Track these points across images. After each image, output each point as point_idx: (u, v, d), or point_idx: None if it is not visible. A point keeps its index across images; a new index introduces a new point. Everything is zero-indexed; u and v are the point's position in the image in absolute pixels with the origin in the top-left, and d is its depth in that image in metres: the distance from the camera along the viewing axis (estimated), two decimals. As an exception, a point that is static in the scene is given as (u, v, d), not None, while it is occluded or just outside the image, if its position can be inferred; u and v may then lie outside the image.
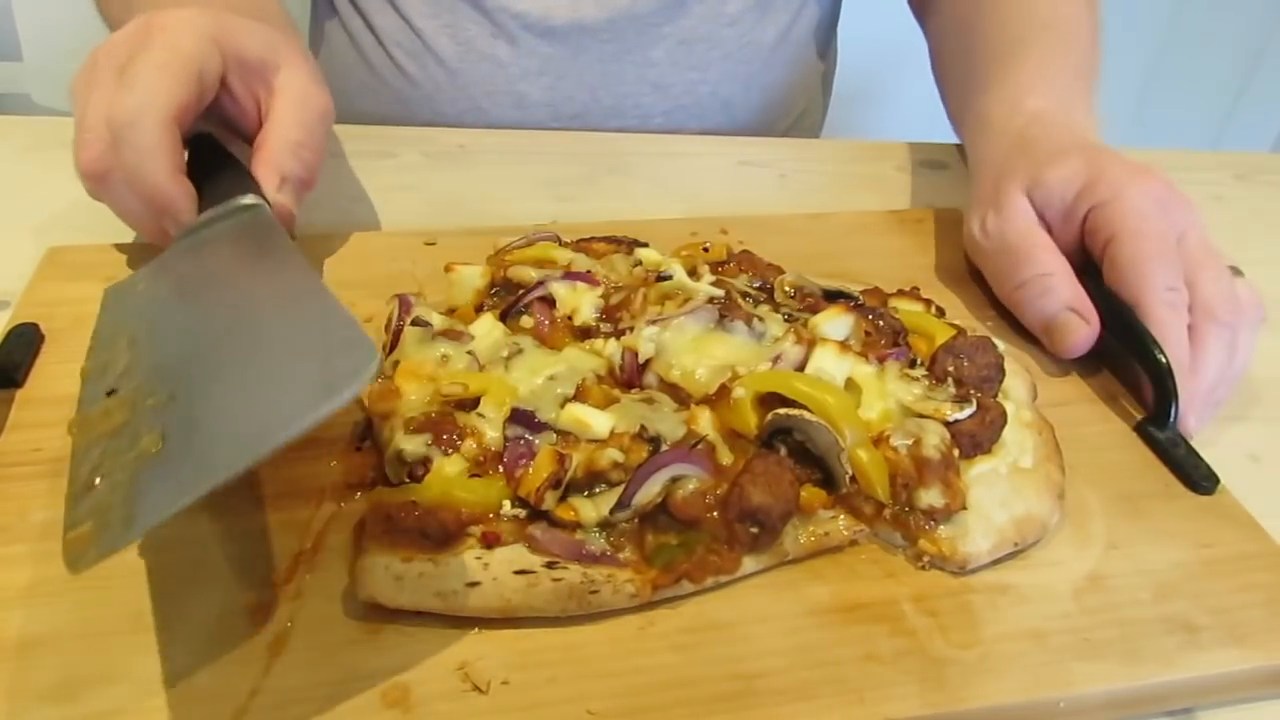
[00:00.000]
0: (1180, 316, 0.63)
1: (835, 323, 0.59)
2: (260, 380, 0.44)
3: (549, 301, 0.62)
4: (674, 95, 1.04)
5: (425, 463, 0.50)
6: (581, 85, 1.02)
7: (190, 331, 0.52)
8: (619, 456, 0.50)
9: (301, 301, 0.50)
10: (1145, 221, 0.65)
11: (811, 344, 0.56)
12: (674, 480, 0.50)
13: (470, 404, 0.53)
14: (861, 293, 0.65)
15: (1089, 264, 0.69)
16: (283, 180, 0.66)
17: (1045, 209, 0.70)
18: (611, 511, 0.49)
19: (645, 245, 0.69)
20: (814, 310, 0.62)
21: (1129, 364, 0.65)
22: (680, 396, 0.55)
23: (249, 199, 0.63)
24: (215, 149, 0.70)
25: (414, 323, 0.58)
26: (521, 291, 0.63)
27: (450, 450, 0.51)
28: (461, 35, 1.00)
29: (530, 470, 0.49)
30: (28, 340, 0.60)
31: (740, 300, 0.61)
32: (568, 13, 0.98)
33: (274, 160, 0.66)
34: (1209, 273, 0.65)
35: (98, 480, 0.42)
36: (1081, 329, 0.65)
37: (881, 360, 0.57)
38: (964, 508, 0.52)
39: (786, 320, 0.60)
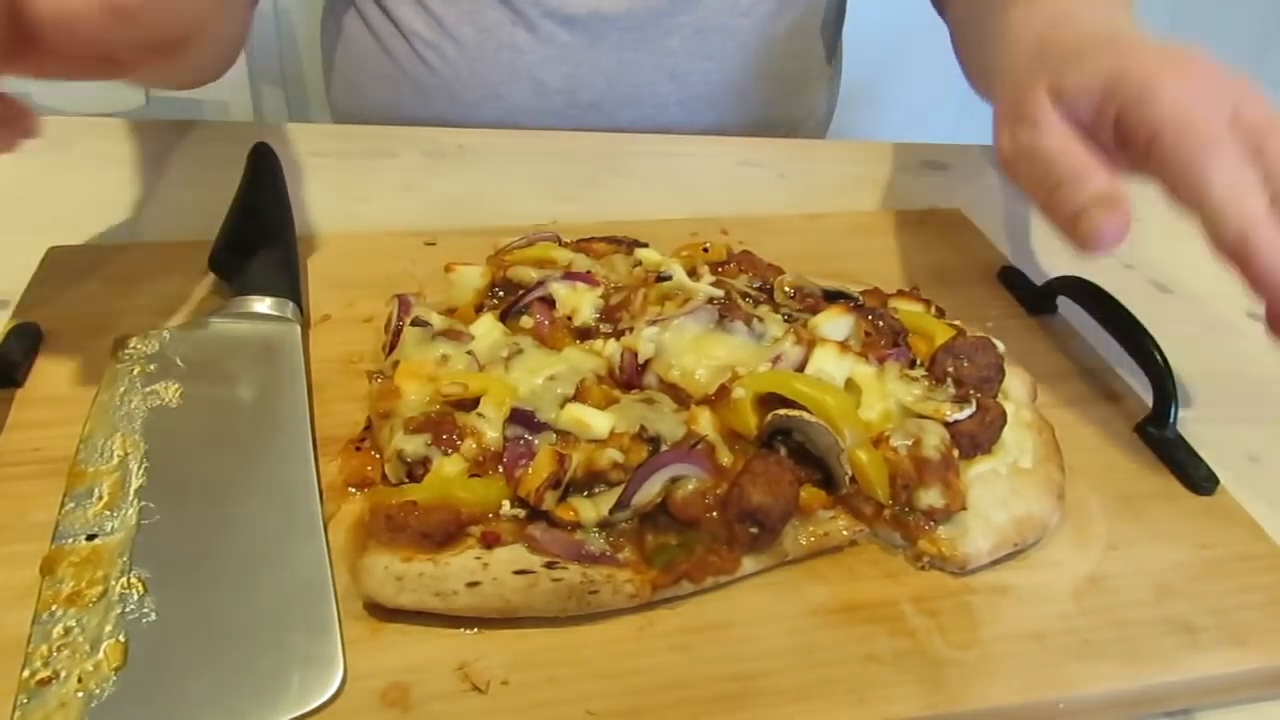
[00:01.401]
0: (1260, 201, 0.53)
1: (835, 323, 0.59)
2: (232, 652, 0.44)
3: (549, 302, 0.62)
4: (690, 84, 1.05)
5: (425, 463, 0.50)
6: (599, 73, 1.02)
7: (185, 494, 0.51)
8: (619, 456, 0.50)
9: (291, 547, 0.49)
10: (1187, 111, 0.55)
11: (811, 344, 0.56)
12: (674, 480, 0.50)
13: (470, 404, 0.53)
14: (861, 293, 0.65)
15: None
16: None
17: (1074, 114, 0.61)
18: (611, 511, 0.49)
19: (645, 245, 0.69)
20: (814, 311, 0.61)
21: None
22: (680, 397, 0.55)
23: (286, 309, 0.63)
24: (266, 224, 0.70)
25: (414, 323, 0.58)
26: (521, 292, 0.63)
27: (450, 450, 0.51)
28: (481, 22, 1.00)
29: (530, 470, 0.49)
30: (28, 340, 0.60)
31: (740, 301, 0.61)
32: (587, 1, 0.99)
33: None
34: (1276, 139, 0.55)
35: (51, 675, 0.42)
36: (1104, 216, 0.56)
37: (881, 361, 0.57)
38: (964, 508, 0.52)
39: (786, 321, 0.60)
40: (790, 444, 0.52)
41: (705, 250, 0.70)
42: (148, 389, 0.57)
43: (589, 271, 0.64)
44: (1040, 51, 0.66)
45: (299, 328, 0.62)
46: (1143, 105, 0.57)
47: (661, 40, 1.02)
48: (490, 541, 0.48)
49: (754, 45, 1.06)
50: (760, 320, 0.58)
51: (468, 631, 0.46)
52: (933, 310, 0.65)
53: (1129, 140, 0.59)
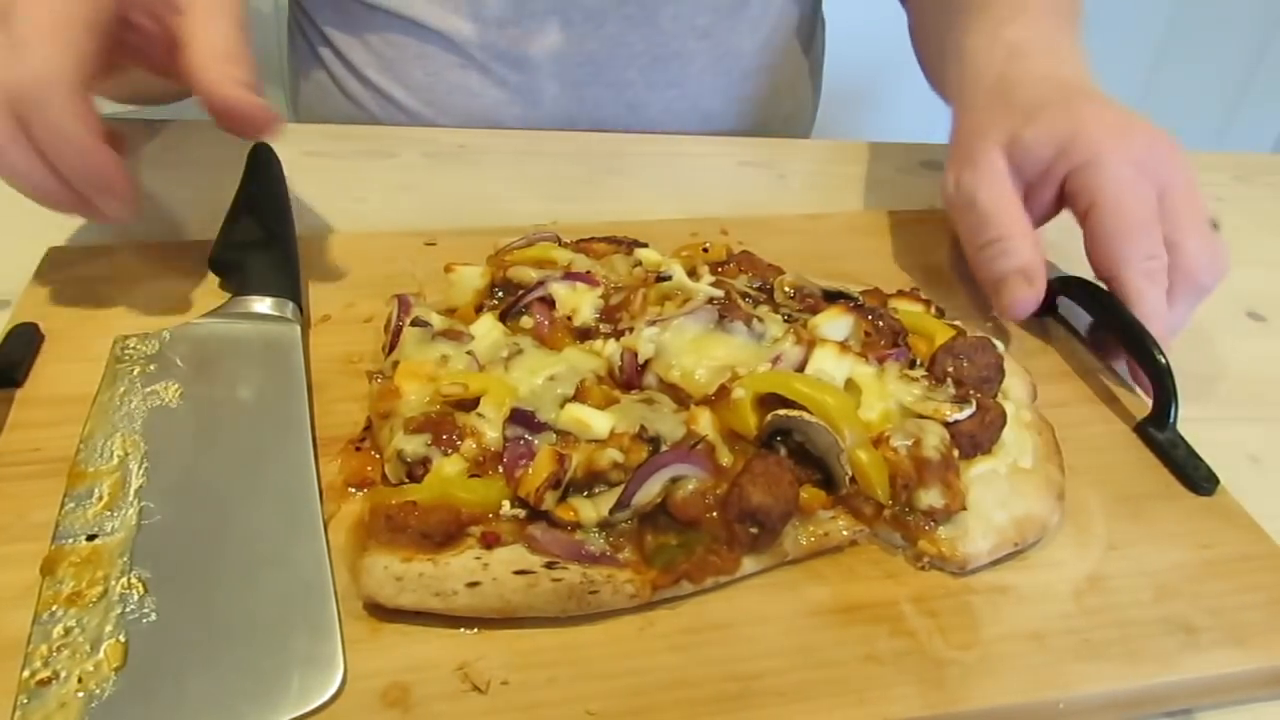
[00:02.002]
0: (1159, 286, 0.63)
1: (835, 323, 0.59)
2: (233, 652, 0.44)
3: (549, 302, 0.62)
4: (651, 115, 1.03)
5: (425, 463, 0.50)
6: (557, 111, 1.01)
7: (185, 494, 0.51)
8: (619, 457, 0.50)
9: (291, 548, 0.49)
10: (1123, 189, 0.64)
11: (811, 344, 0.56)
12: (674, 480, 0.50)
13: (470, 404, 0.53)
14: (861, 293, 0.65)
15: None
16: (230, 79, 0.58)
17: (1023, 168, 0.69)
18: (611, 512, 0.49)
19: (645, 246, 0.69)
20: (814, 311, 0.62)
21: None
22: (680, 397, 0.55)
23: (286, 309, 0.63)
24: (265, 213, 0.70)
25: (414, 323, 0.58)
26: (521, 292, 0.63)
27: (450, 450, 0.51)
28: (430, 66, 0.99)
29: (530, 470, 0.49)
30: (28, 340, 0.60)
31: (740, 301, 0.61)
32: (536, 40, 0.97)
33: (210, 72, 0.57)
34: (1193, 238, 0.64)
35: (51, 675, 0.42)
36: (1024, 290, 0.65)
37: (881, 361, 0.57)
38: (964, 508, 0.52)
39: (786, 321, 0.60)
40: (790, 444, 0.52)
41: (705, 250, 0.70)
42: (148, 389, 0.56)
43: (589, 271, 0.64)
44: (1000, 92, 0.72)
45: (299, 328, 0.62)
46: (1088, 173, 0.65)
47: (618, 72, 1.00)
48: (490, 542, 0.48)
49: (717, 68, 1.03)
50: (760, 320, 0.58)
51: (468, 631, 0.46)
52: (933, 310, 0.65)
53: (1071, 201, 0.67)
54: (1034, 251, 0.66)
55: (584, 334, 0.61)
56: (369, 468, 0.54)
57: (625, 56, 1.00)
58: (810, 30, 1.16)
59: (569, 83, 1.00)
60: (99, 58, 0.56)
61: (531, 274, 0.64)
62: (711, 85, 1.04)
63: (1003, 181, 0.68)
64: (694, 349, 0.57)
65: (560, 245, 0.68)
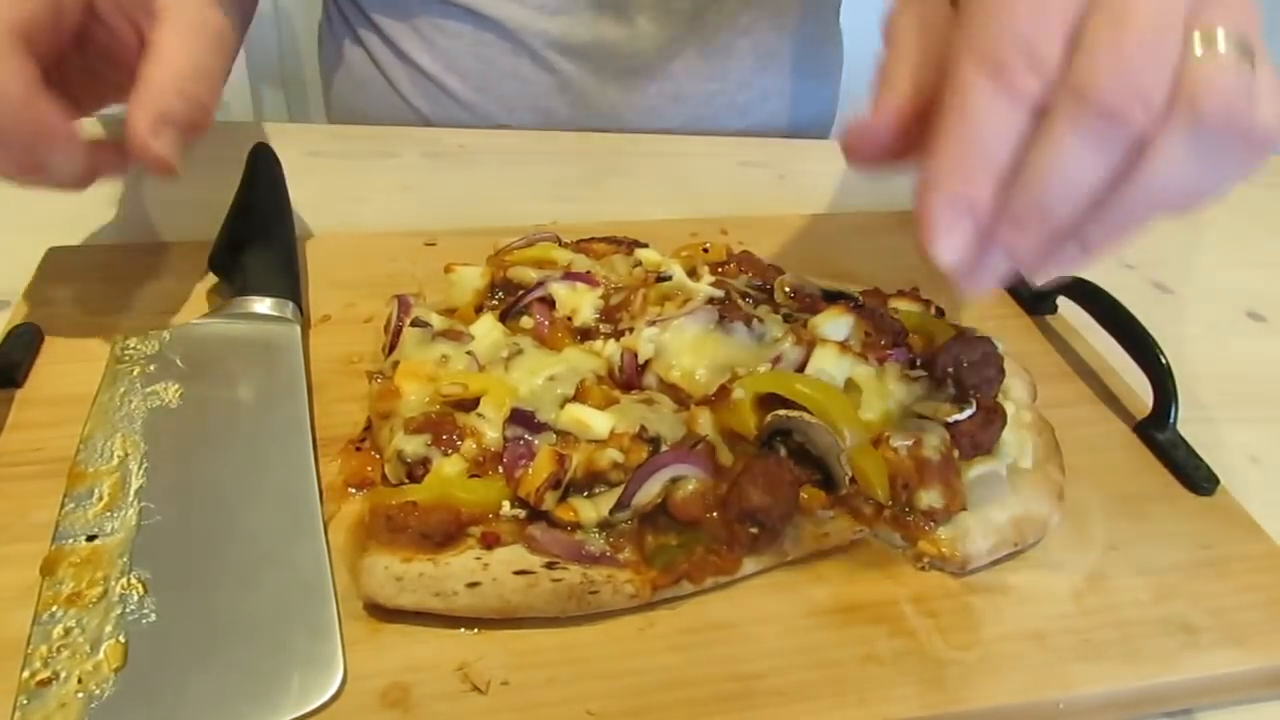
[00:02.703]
0: (1006, 96, 0.38)
1: (835, 323, 0.59)
2: (233, 653, 0.44)
3: (549, 302, 0.62)
4: (693, 105, 1.05)
5: (425, 463, 0.50)
6: (604, 99, 1.02)
7: (185, 495, 0.51)
8: (619, 457, 0.50)
9: (291, 548, 0.49)
10: (1016, 33, 0.38)
11: (811, 345, 0.56)
12: (674, 481, 0.50)
13: (470, 404, 0.53)
14: (861, 293, 0.65)
15: None
16: (161, 121, 0.55)
17: None
18: (611, 512, 0.49)
19: (645, 246, 0.69)
20: (814, 311, 0.61)
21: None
22: (680, 397, 0.55)
23: (286, 309, 0.63)
24: (266, 216, 0.69)
25: (414, 323, 0.58)
26: (521, 292, 0.63)
27: (450, 450, 0.51)
28: (485, 54, 1.00)
29: (530, 470, 0.49)
30: (28, 340, 0.60)
31: (740, 301, 0.61)
32: (589, 31, 0.98)
33: (153, 98, 0.55)
34: (1134, 37, 0.36)
35: (51, 675, 0.42)
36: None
37: (881, 361, 0.57)
38: (964, 508, 0.52)
39: (786, 321, 0.60)
40: (790, 444, 0.52)
41: (705, 250, 0.70)
42: (148, 389, 0.57)
43: (589, 272, 0.64)
44: None
45: (299, 328, 0.62)
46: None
47: (665, 65, 1.02)
48: (490, 542, 0.48)
49: (754, 63, 1.05)
50: (760, 321, 0.58)
51: (468, 631, 0.46)
52: (933, 310, 0.65)
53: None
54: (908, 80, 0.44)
55: (584, 334, 0.61)
56: (369, 468, 0.54)
57: (673, 51, 1.01)
58: (834, 33, 1.18)
59: (618, 72, 1.01)
60: (45, 24, 0.53)
61: (531, 274, 0.64)
62: (749, 82, 1.06)
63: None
64: (694, 349, 0.57)
65: (560, 245, 0.68)
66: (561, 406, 0.53)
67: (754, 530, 0.49)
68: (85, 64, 0.59)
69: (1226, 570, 0.53)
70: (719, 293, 0.61)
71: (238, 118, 1.65)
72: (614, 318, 0.61)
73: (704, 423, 0.53)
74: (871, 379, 0.56)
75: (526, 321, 0.61)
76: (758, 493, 0.49)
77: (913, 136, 0.43)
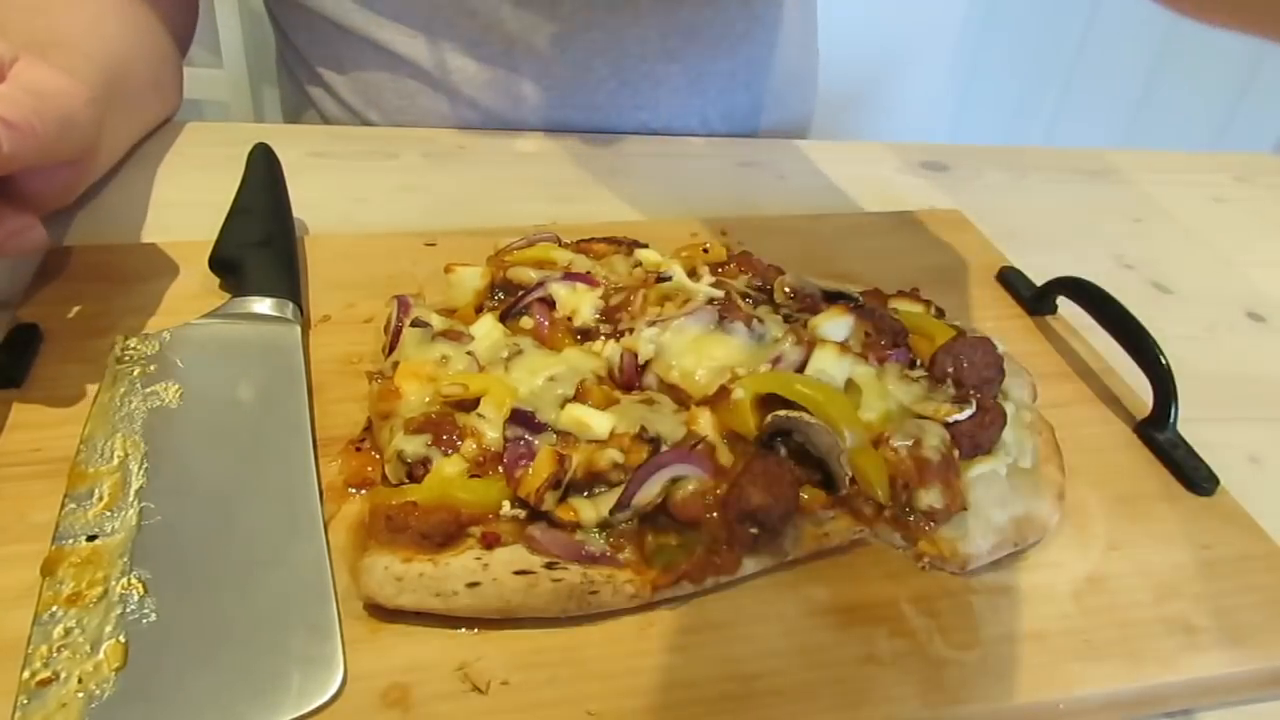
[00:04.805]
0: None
1: (835, 324, 0.59)
2: (233, 653, 0.44)
3: (549, 302, 0.62)
4: (674, 113, 1.03)
5: (425, 463, 0.50)
6: (584, 108, 1.00)
7: (185, 495, 0.50)
8: (619, 457, 0.50)
9: (291, 548, 0.49)
10: None
11: (811, 345, 0.56)
12: (674, 481, 0.50)
13: (470, 404, 0.53)
14: (861, 294, 0.65)
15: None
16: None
17: None
18: (611, 512, 0.49)
19: (645, 246, 0.69)
20: (814, 311, 0.62)
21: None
22: (680, 397, 0.55)
23: (286, 309, 0.63)
24: (270, 221, 0.69)
25: (414, 323, 0.58)
26: (521, 292, 0.63)
27: (450, 450, 0.51)
28: (404, 89, 0.98)
29: (530, 471, 0.49)
30: (28, 340, 0.60)
31: (740, 301, 0.61)
32: (568, 50, 0.96)
33: None
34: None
35: (52, 675, 0.41)
36: None
37: (881, 361, 0.57)
38: (964, 509, 0.52)
39: (786, 321, 0.60)
40: (790, 444, 0.52)
41: (705, 250, 0.70)
42: (148, 389, 0.56)
43: (589, 272, 0.64)
44: None
45: (299, 328, 0.62)
46: None
47: (588, 96, 0.99)
48: (490, 542, 0.48)
49: (739, 76, 1.03)
50: (760, 321, 0.58)
51: (468, 632, 0.46)
52: (933, 310, 0.65)
53: None
54: None
55: (584, 334, 0.61)
56: (369, 468, 0.54)
57: (659, 76, 0.99)
58: (809, 44, 1.16)
59: (542, 105, 0.98)
60: None
61: (531, 274, 0.64)
62: (731, 99, 1.04)
63: None
64: (694, 349, 0.57)
65: (560, 245, 0.68)
66: (561, 407, 0.53)
67: (754, 530, 0.49)
68: None
69: (1226, 570, 0.53)
70: (719, 293, 0.61)
71: (238, 118, 1.64)
72: (614, 318, 0.61)
73: (704, 423, 0.53)
74: (871, 379, 0.56)
75: (526, 322, 0.61)
76: (758, 493, 0.49)
77: None
